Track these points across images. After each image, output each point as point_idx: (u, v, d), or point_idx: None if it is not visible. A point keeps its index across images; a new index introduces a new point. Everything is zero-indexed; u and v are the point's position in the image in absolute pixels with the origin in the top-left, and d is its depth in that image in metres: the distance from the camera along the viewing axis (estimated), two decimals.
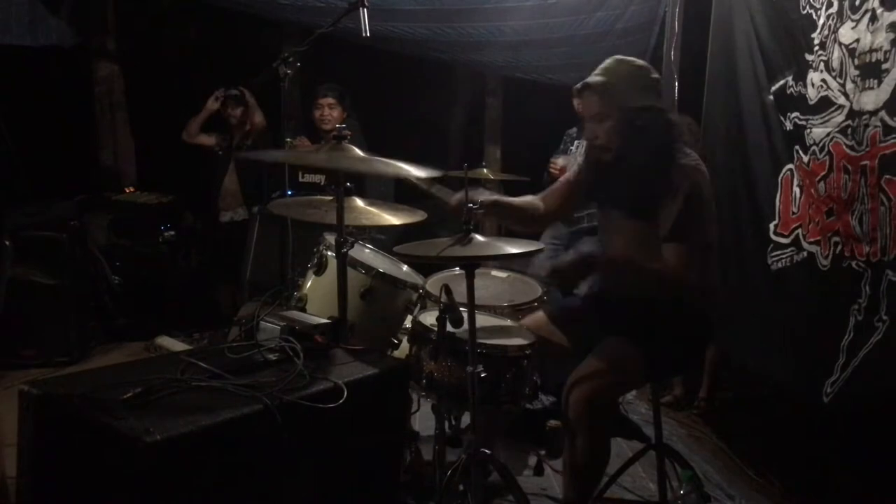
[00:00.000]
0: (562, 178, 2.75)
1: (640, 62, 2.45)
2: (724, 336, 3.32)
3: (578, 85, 2.42)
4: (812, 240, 2.87)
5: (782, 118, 3.01)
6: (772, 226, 3.11)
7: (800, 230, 2.95)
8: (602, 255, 2.41)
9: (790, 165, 3.00)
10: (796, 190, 2.97)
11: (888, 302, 2.43)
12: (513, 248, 2.27)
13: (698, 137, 3.77)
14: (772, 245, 3.10)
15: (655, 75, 2.47)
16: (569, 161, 4.63)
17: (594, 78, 2.39)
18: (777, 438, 3.11)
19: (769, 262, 3.11)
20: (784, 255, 3.04)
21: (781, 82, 3.01)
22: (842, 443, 2.69)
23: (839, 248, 2.68)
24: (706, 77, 3.66)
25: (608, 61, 2.44)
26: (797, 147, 2.91)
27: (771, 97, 3.10)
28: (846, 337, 2.59)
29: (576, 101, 4.55)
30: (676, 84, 3.98)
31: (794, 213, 2.99)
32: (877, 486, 2.53)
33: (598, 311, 2.52)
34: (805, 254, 2.91)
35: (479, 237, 2.24)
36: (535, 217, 2.69)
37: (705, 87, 3.67)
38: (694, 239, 2.26)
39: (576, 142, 4.75)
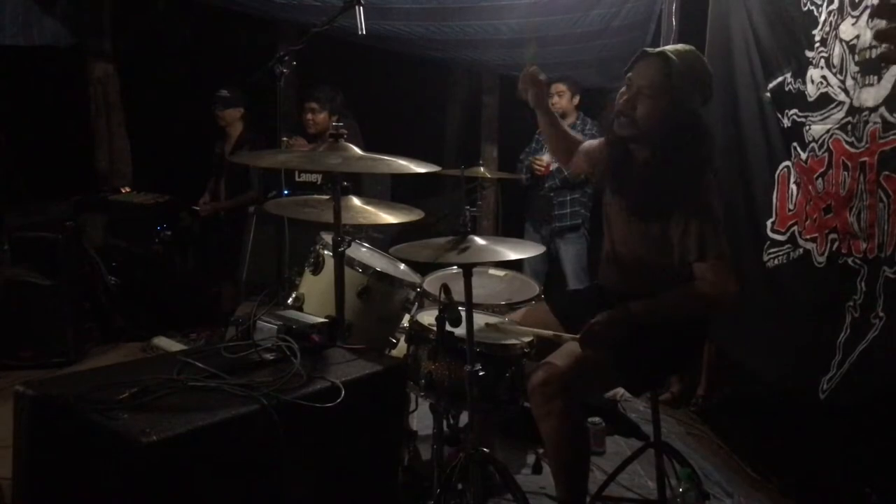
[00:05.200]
0: (595, 141, 2.71)
1: (710, 67, 2.32)
2: (721, 333, 3.32)
3: (653, 49, 2.27)
4: (808, 237, 2.87)
5: (780, 115, 3.01)
6: (768, 223, 3.11)
7: (796, 227, 2.95)
8: (637, 305, 2.23)
9: (787, 162, 3.00)
10: (793, 187, 2.97)
11: (885, 299, 2.43)
12: (512, 253, 2.26)
13: None
14: (768, 242, 3.10)
15: (712, 85, 2.33)
16: (552, 158, 4.64)
17: (668, 53, 2.24)
18: (776, 435, 3.11)
19: (765, 259, 3.12)
20: (780, 253, 3.04)
21: (779, 79, 3.01)
22: (839, 440, 2.69)
23: (836, 244, 2.68)
24: None
25: (684, 46, 2.30)
26: (795, 144, 2.91)
27: (768, 94, 3.10)
28: (843, 334, 2.59)
29: (552, 100, 4.60)
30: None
31: (790, 211, 2.99)
32: (873, 483, 2.53)
33: (592, 305, 2.50)
34: (801, 251, 2.91)
35: (476, 239, 2.24)
36: (568, 147, 2.72)
37: None
38: (725, 251, 2.18)
39: None
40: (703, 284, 2.15)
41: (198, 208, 4.92)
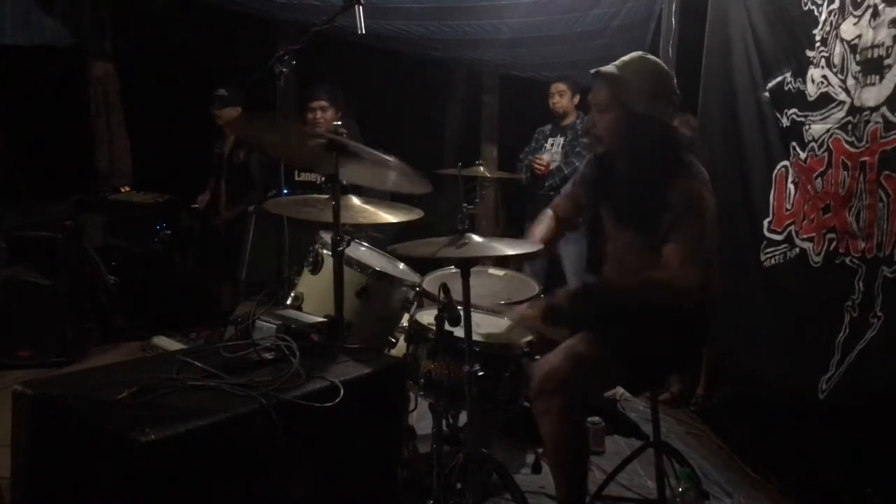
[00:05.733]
0: (569, 184, 2.74)
1: (665, 68, 2.38)
2: (721, 333, 3.32)
3: (593, 70, 2.35)
4: (805, 236, 2.87)
5: (778, 115, 3.01)
6: (765, 222, 3.11)
7: (793, 227, 2.95)
8: (596, 282, 2.37)
9: (785, 162, 3.00)
10: (790, 187, 2.97)
11: (883, 298, 2.43)
12: (509, 249, 2.27)
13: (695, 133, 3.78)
14: (765, 242, 3.11)
15: (673, 85, 2.37)
16: (552, 157, 4.65)
17: (609, 68, 2.33)
18: (775, 435, 3.11)
19: (762, 258, 3.12)
20: (777, 252, 3.04)
21: (779, 79, 3.01)
22: (838, 440, 2.69)
23: (833, 244, 2.68)
24: (702, 74, 3.65)
25: (632, 55, 2.36)
26: (794, 143, 2.91)
27: (766, 94, 3.10)
28: (841, 333, 2.59)
29: (553, 99, 4.61)
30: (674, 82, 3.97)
31: (787, 210, 2.99)
32: (873, 483, 2.53)
33: (584, 306, 2.50)
34: (797, 250, 2.91)
35: (475, 237, 2.24)
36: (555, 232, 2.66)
37: (701, 84, 3.66)
38: (695, 243, 2.19)
39: (549, 139, 4.76)
40: (663, 272, 2.18)
41: (196, 205, 4.90)
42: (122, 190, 5.10)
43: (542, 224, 2.67)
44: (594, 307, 2.33)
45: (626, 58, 2.36)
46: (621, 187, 2.39)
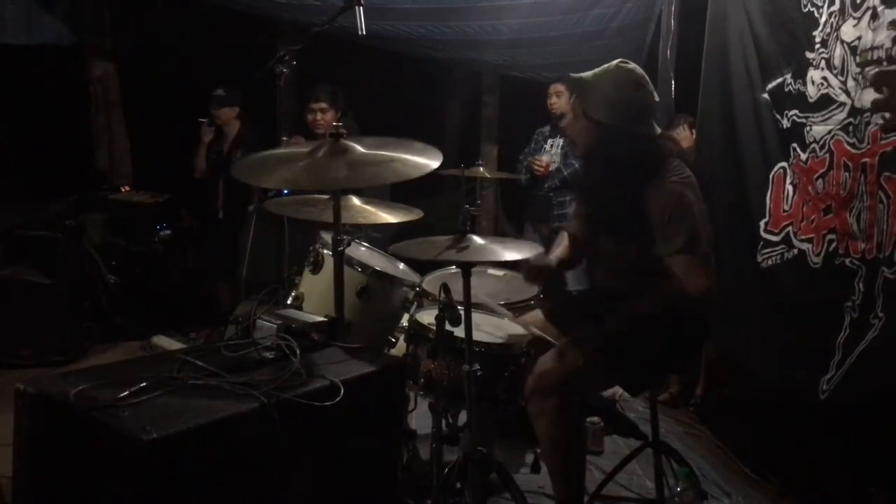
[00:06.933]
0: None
1: (637, 78, 2.31)
2: (719, 334, 3.33)
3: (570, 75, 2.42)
4: (803, 237, 2.88)
5: (778, 116, 3.01)
6: (762, 223, 3.12)
7: (790, 227, 2.96)
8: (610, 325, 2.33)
9: (783, 163, 3.01)
10: (789, 188, 2.98)
11: (884, 299, 2.43)
12: (509, 253, 2.27)
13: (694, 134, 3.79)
14: (762, 242, 3.11)
15: (643, 94, 2.32)
16: (551, 158, 4.65)
17: (583, 74, 2.35)
18: (774, 435, 3.11)
19: (759, 259, 3.12)
20: (774, 253, 3.05)
21: (779, 80, 3.01)
22: (839, 440, 2.69)
23: (833, 245, 2.69)
24: (701, 76, 3.66)
25: (612, 62, 2.34)
26: (794, 145, 2.92)
27: (766, 95, 3.10)
28: (842, 334, 2.60)
29: (551, 100, 4.62)
30: (673, 83, 3.98)
31: (785, 211, 3.00)
32: (873, 484, 2.53)
33: (582, 307, 2.51)
34: (795, 251, 2.92)
35: (476, 238, 2.25)
36: (572, 257, 2.66)
37: (700, 85, 3.67)
38: (696, 250, 2.20)
39: (549, 140, 4.76)
40: (672, 282, 2.19)
41: (203, 120, 4.82)
42: (122, 189, 5.10)
43: (559, 247, 2.68)
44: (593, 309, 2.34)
45: (605, 66, 2.35)
46: (601, 195, 2.41)
